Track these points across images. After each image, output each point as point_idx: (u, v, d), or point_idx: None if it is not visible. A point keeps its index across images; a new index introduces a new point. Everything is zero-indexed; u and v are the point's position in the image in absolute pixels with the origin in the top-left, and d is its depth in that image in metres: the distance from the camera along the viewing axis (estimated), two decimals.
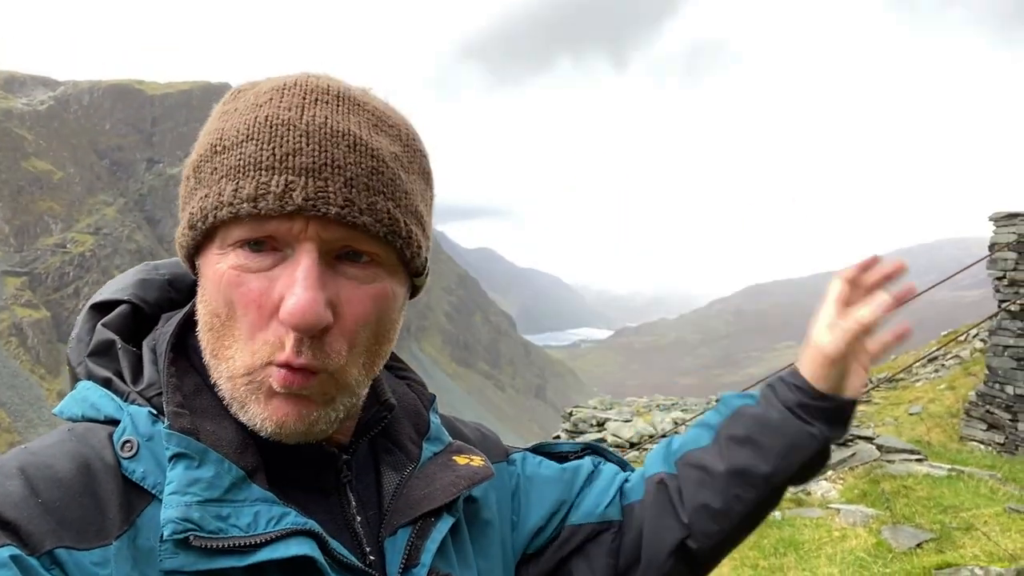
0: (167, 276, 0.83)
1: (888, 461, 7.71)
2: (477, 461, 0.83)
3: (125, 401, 0.68)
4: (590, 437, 10.79)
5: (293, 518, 0.64)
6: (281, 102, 0.66)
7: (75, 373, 0.74)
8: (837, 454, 8.39)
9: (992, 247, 10.50)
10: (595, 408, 12.49)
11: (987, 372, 10.95)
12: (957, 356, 16.24)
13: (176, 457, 0.62)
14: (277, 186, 0.63)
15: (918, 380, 16.28)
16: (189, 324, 0.73)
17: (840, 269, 0.90)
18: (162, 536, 0.59)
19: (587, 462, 1.00)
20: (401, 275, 0.72)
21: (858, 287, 0.89)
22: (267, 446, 0.69)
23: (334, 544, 0.66)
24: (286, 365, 0.64)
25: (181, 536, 0.59)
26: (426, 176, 0.75)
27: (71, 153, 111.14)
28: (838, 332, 0.85)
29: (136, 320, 0.78)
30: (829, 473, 7.64)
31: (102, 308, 0.78)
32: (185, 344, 0.73)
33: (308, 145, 0.64)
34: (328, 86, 0.69)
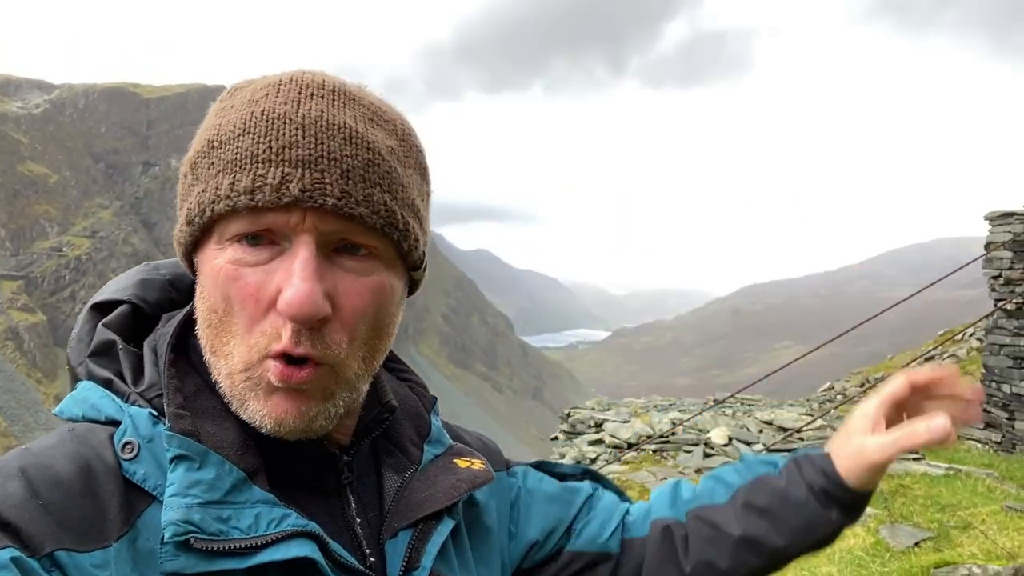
0: (168, 276, 0.83)
1: None
2: (478, 464, 0.83)
3: (126, 402, 0.68)
4: (588, 438, 10.79)
5: (294, 520, 0.64)
6: (277, 97, 0.67)
7: (75, 373, 0.74)
8: None
9: (988, 246, 10.53)
10: (593, 409, 12.48)
11: (984, 371, 10.97)
12: (954, 355, 16.27)
13: (177, 459, 0.62)
14: (274, 178, 0.63)
15: None
16: (190, 324, 0.73)
17: (913, 370, 0.86)
18: (163, 538, 0.59)
19: (586, 485, 1.01)
20: (399, 268, 0.72)
21: (917, 392, 0.86)
22: (268, 447, 0.68)
23: (335, 546, 0.66)
24: (283, 355, 0.64)
25: (182, 538, 0.59)
26: (422, 171, 0.76)
27: (67, 156, 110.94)
28: (889, 444, 0.83)
29: (137, 320, 0.78)
30: None
31: (103, 308, 0.78)
32: (186, 344, 0.73)
33: (304, 138, 0.64)
34: (324, 81, 0.69)
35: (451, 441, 0.87)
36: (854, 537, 5.28)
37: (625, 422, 10.73)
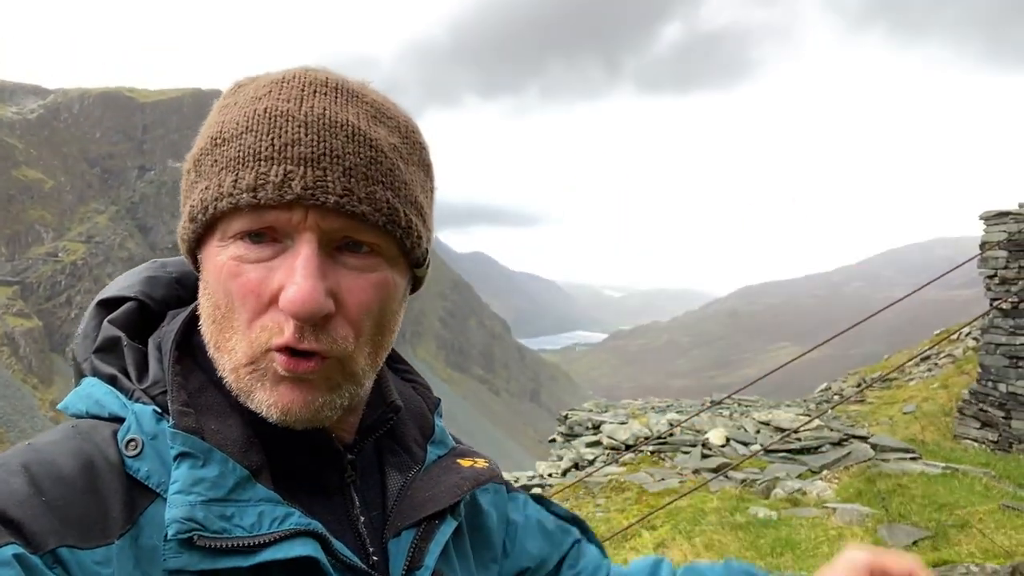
0: (175, 274, 0.83)
1: (883, 460, 7.73)
2: (481, 463, 0.84)
3: (130, 399, 0.68)
4: (586, 440, 10.79)
5: (297, 519, 0.64)
6: (280, 94, 0.67)
7: (81, 369, 0.74)
8: (832, 453, 8.42)
9: (983, 246, 10.57)
10: (590, 411, 12.49)
11: (980, 370, 11.01)
12: (950, 355, 16.32)
13: (181, 456, 0.62)
14: (276, 176, 0.63)
15: (912, 379, 16.35)
16: (195, 321, 0.73)
17: (866, 555, 0.80)
18: (166, 535, 0.59)
19: (575, 531, 1.01)
20: (402, 265, 0.72)
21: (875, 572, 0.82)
22: (274, 442, 0.69)
23: (337, 545, 0.66)
24: (286, 348, 0.64)
25: (185, 536, 0.59)
26: (426, 168, 0.76)
27: (62, 161, 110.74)
28: None
29: (143, 317, 0.78)
30: (825, 473, 7.67)
31: (109, 305, 0.78)
32: (191, 341, 0.73)
33: (307, 135, 0.64)
34: (326, 79, 0.69)
35: (454, 443, 0.87)
36: (852, 537, 5.28)
37: (623, 424, 10.73)
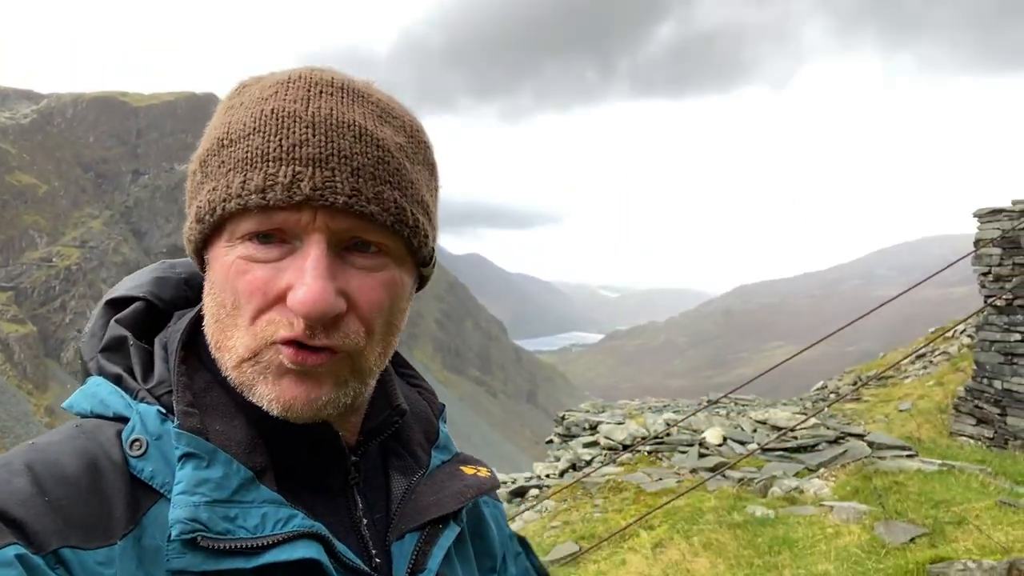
0: (184, 275, 0.83)
1: (879, 457, 7.75)
2: (484, 472, 0.84)
3: (135, 399, 0.68)
4: (583, 440, 10.79)
5: (300, 520, 0.64)
6: (286, 95, 0.67)
7: (87, 368, 0.74)
8: (829, 452, 8.44)
9: (977, 243, 10.61)
10: (587, 412, 12.51)
11: (975, 367, 11.04)
12: (945, 352, 16.37)
13: (185, 457, 0.62)
14: (285, 177, 0.63)
15: (907, 377, 16.39)
16: (201, 321, 0.73)
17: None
18: (170, 536, 0.59)
19: None
20: (409, 265, 0.72)
21: None
22: (278, 442, 0.69)
23: (340, 547, 0.66)
24: (293, 342, 0.63)
25: (189, 536, 0.59)
26: (431, 167, 0.76)
27: (55, 166, 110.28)
28: None
29: (151, 317, 0.78)
30: (822, 471, 7.68)
31: (117, 304, 0.78)
32: (197, 342, 0.73)
33: (314, 136, 0.64)
34: (332, 79, 0.69)
35: (457, 449, 0.87)
36: (849, 534, 5.30)
37: (620, 424, 10.74)
